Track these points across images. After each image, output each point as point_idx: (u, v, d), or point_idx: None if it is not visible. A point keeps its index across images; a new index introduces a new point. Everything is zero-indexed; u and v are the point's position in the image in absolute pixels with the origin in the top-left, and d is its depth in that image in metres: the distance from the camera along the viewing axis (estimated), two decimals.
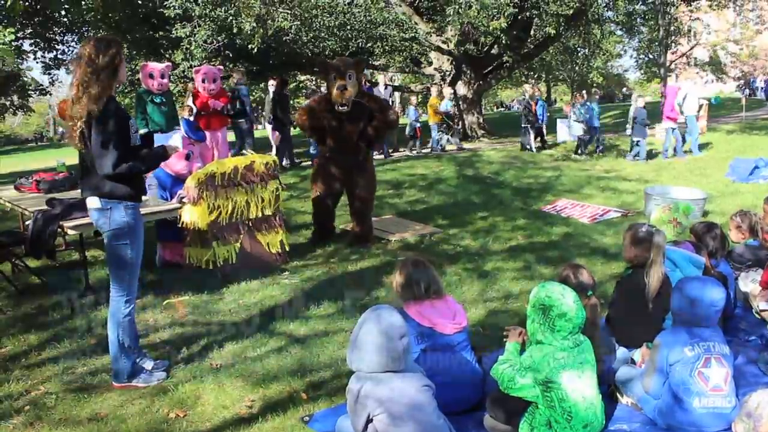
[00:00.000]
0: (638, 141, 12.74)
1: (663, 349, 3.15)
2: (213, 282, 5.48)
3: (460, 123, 16.72)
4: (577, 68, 34.03)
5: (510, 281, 5.47)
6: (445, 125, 14.45)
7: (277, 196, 5.90)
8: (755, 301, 4.52)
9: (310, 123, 6.40)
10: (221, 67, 11.57)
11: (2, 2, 12.27)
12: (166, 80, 8.86)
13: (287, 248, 6.11)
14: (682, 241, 4.35)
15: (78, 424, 3.33)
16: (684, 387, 3.05)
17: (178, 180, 5.85)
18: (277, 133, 11.80)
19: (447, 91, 15.05)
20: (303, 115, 6.48)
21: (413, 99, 15.67)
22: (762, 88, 36.05)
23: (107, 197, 3.51)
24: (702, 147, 13.27)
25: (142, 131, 7.95)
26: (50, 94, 27.97)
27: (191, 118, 8.49)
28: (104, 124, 3.35)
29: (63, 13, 17.63)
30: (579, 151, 13.60)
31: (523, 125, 14.49)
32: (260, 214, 5.78)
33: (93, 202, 3.54)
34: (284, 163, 11.98)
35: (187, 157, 5.78)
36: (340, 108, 6.19)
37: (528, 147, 14.27)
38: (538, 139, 14.89)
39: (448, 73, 16.48)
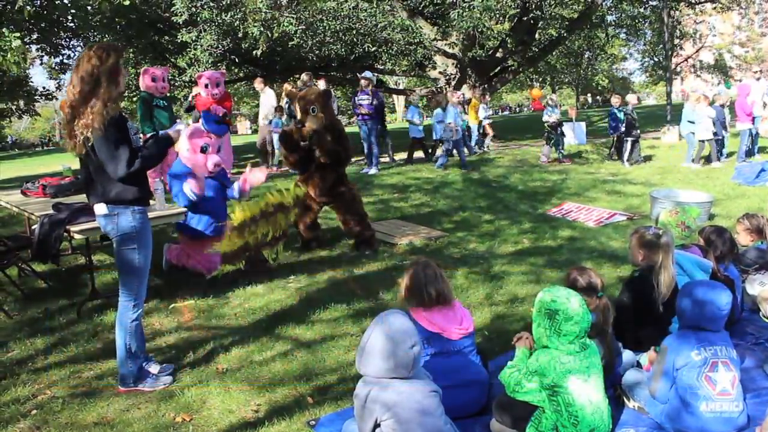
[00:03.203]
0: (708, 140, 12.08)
1: (670, 353, 3.14)
2: (219, 286, 5.49)
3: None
4: (582, 72, 34.06)
5: (516, 285, 5.46)
6: (547, 134, 13.46)
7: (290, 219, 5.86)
8: (763, 305, 4.50)
9: (298, 158, 6.52)
10: (224, 71, 11.61)
11: (9, 8, 12.33)
12: (166, 83, 8.94)
13: (281, 257, 6.07)
14: (690, 245, 4.34)
15: (84, 428, 3.34)
16: (691, 391, 3.04)
17: (194, 174, 5.80)
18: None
19: (554, 97, 14.34)
20: (290, 157, 6.60)
21: (455, 97, 15.33)
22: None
23: (114, 203, 3.52)
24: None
25: (150, 135, 8.00)
26: (57, 99, 28.05)
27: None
28: (108, 130, 3.35)
29: (69, 18, 17.69)
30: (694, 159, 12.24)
31: (624, 137, 12.86)
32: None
33: (100, 208, 3.55)
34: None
35: (203, 150, 5.74)
36: (301, 143, 6.34)
37: (626, 160, 12.70)
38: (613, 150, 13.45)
39: (453, 76, 16.49)
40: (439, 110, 13.52)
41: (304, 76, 11.98)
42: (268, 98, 12.42)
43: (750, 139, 12.35)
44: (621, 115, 12.77)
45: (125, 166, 3.38)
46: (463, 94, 14.95)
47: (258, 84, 12.77)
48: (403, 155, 13.67)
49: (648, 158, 13.25)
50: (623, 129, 12.66)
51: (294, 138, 6.38)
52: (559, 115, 13.50)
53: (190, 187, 5.47)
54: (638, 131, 12.76)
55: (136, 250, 3.59)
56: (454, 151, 12.30)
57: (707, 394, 3.02)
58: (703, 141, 12.06)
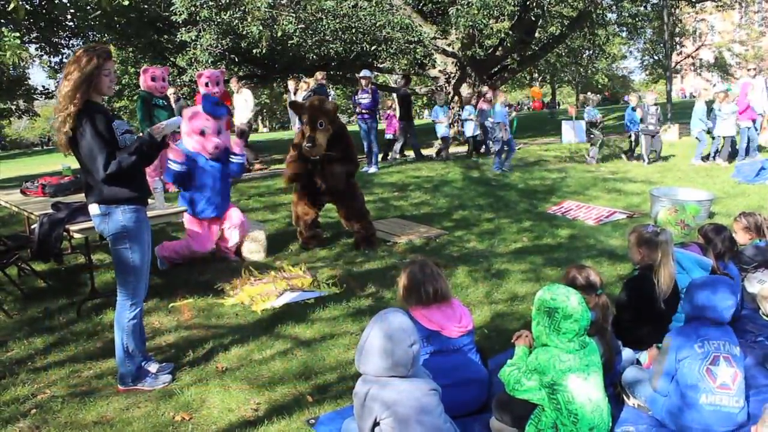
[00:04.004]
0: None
1: (673, 345, 3.15)
2: (218, 285, 5.49)
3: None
4: (582, 70, 34.00)
5: (516, 283, 5.46)
6: (592, 135, 13.29)
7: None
8: (763, 303, 4.50)
9: (298, 172, 6.48)
10: (224, 69, 11.58)
11: (7, 8, 12.32)
12: (166, 83, 9.03)
13: None
14: (689, 243, 4.34)
15: (84, 427, 3.34)
16: (692, 383, 3.04)
17: (199, 155, 5.79)
18: (398, 124, 13.09)
19: (594, 97, 14.06)
20: (293, 169, 6.53)
21: (502, 96, 15.03)
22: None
23: (106, 202, 3.51)
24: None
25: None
26: (56, 98, 28.07)
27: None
28: (85, 130, 3.35)
29: (69, 17, 17.69)
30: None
31: (640, 133, 12.79)
32: None
33: (93, 208, 3.56)
34: (397, 156, 13.59)
35: (202, 133, 5.72)
36: (311, 158, 6.29)
37: (642, 157, 12.67)
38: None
39: (452, 75, 16.48)
40: (469, 107, 13.49)
41: (317, 75, 11.89)
42: (246, 99, 12.16)
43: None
44: (635, 114, 12.76)
45: (102, 169, 3.37)
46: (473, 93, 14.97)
47: (234, 84, 12.43)
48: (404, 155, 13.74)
49: (665, 158, 13.16)
50: (639, 127, 12.72)
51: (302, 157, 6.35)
52: (600, 116, 13.41)
53: (171, 159, 5.50)
54: (652, 127, 12.57)
55: (129, 249, 3.58)
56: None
57: (707, 387, 3.02)
58: (725, 137, 11.98)
